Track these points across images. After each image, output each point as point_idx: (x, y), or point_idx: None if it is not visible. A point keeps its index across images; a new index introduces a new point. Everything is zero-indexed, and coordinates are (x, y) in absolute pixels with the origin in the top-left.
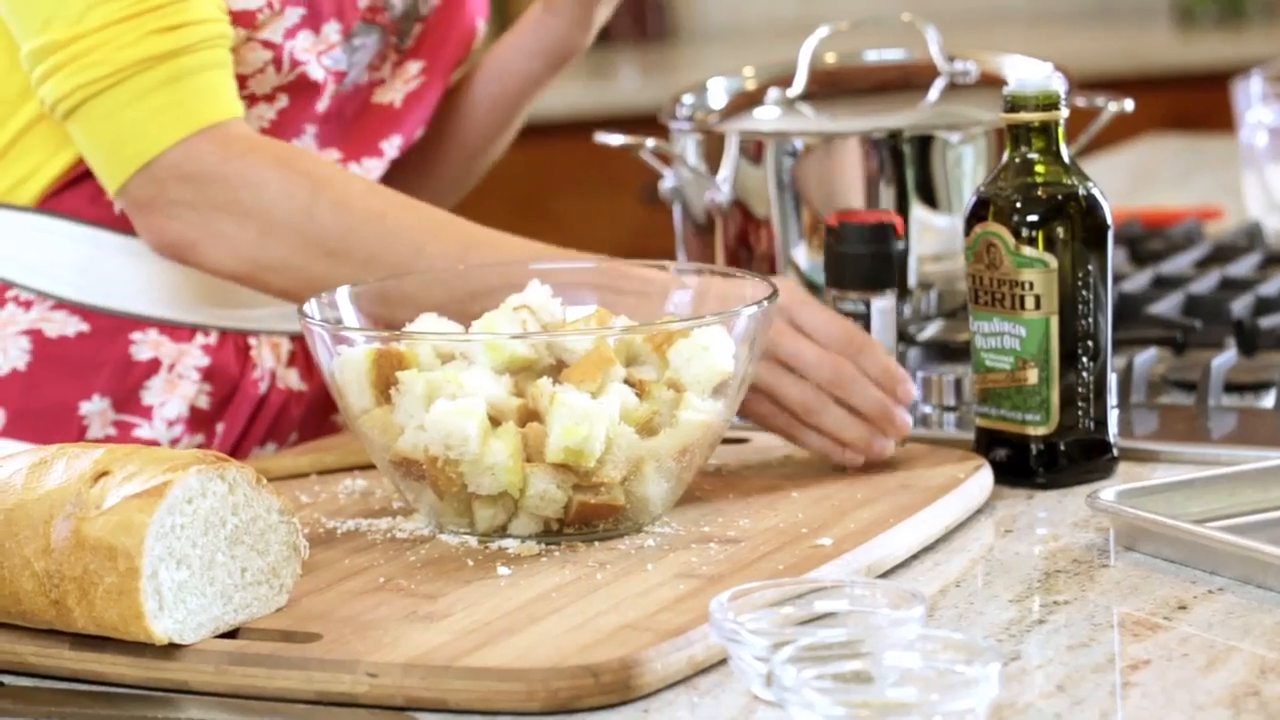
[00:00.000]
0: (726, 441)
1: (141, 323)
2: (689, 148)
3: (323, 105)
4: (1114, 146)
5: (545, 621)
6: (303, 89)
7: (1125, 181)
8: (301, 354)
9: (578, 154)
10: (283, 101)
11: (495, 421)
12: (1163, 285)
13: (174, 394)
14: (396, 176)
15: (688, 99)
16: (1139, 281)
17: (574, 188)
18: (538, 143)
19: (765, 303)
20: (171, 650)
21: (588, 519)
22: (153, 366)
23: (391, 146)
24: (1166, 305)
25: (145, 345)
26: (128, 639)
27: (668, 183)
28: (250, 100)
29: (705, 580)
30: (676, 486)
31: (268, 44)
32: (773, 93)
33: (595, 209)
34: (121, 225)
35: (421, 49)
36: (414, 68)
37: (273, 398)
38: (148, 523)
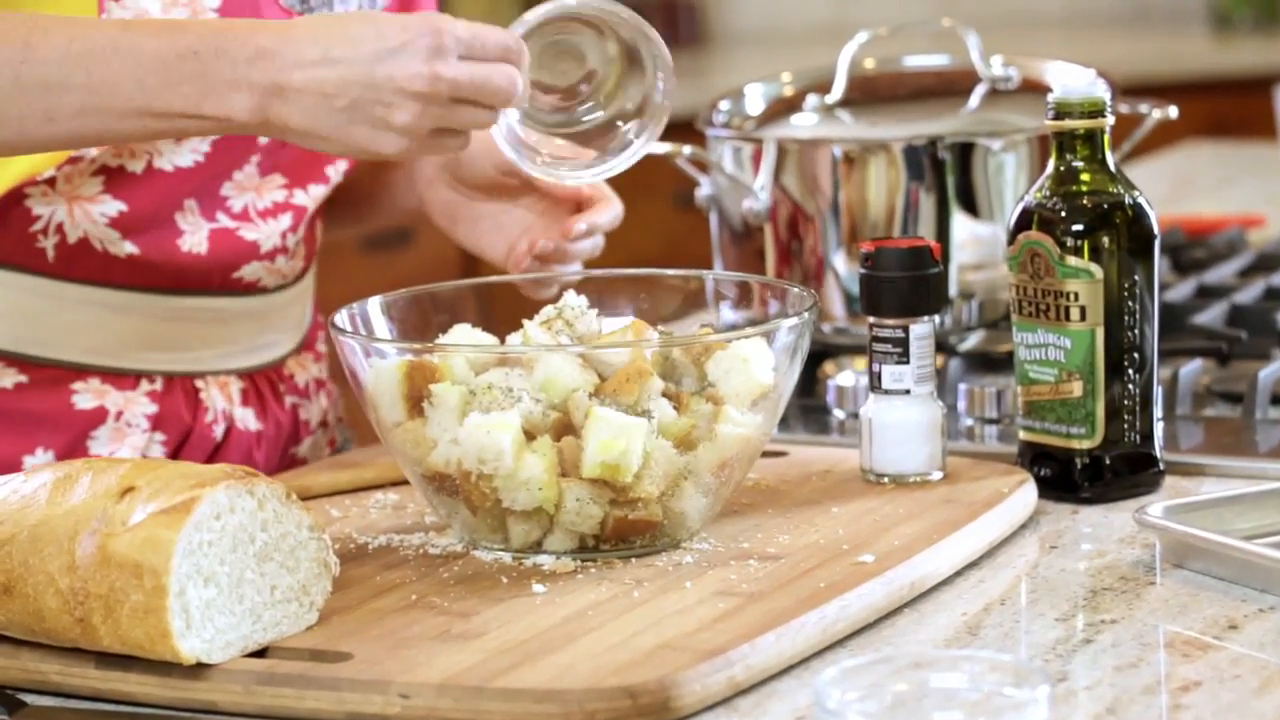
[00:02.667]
0: (764, 454)
1: (83, 372)
2: (726, 155)
3: (265, 138)
4: (1152, 154)
5: (581, 641)
6: None
7: (1164, 189)
8: (254, 392)
9: None
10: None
11: (530, 435)
12: (1206, 295)
13: (123, 444)
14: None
15: (724, 105)
16: (1182, 291)
17: None
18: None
19: (806, 314)
20: (199, 670)
21: (624, 535)
22: (98, 416)
23: (336, 171)
24: (1211, 315)
25: (88, 394)
26: (154, 658)
27: (704, 190)
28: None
29: (745, 598)
30: (715, 502)
31: None
32: (811, 99)
33: (627, 215)
34: (55, 270)
35: None
36: None
37: (233, 439)
38: (175, 539)
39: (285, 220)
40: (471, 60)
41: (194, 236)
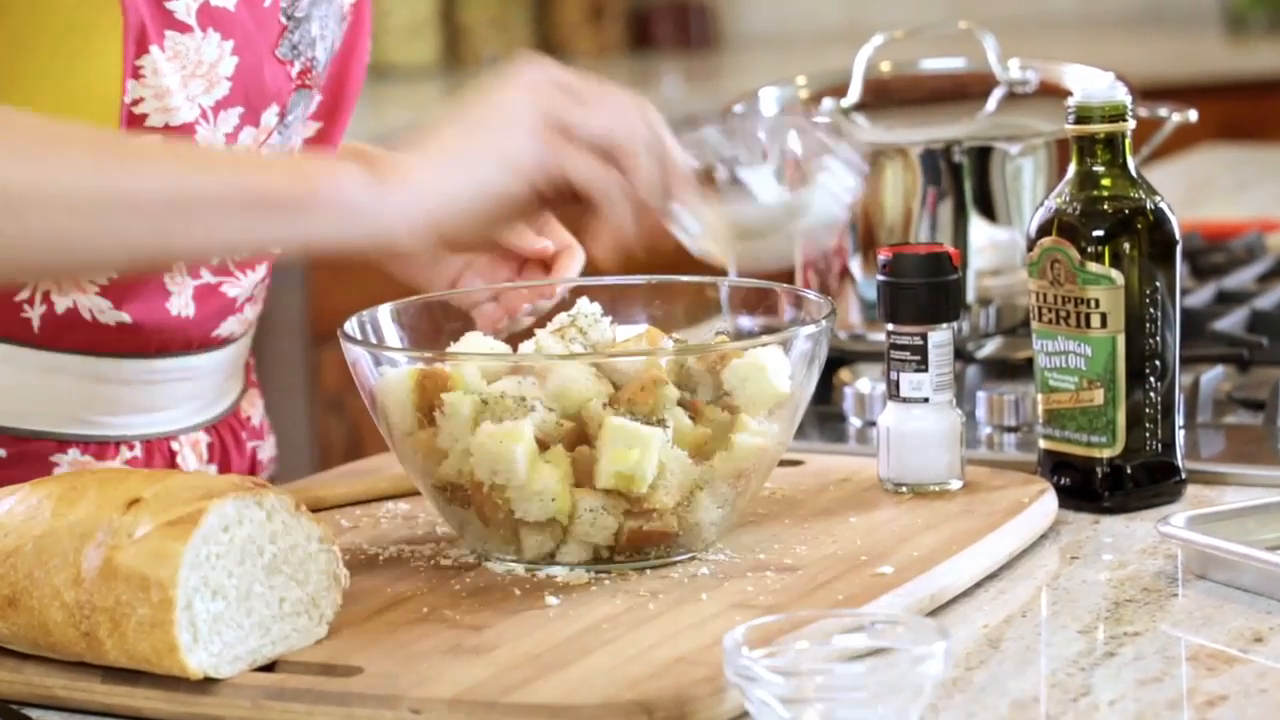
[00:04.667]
0: (780, 463)
1: (63, 443)
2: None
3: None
4: (1167, 157)
5: (596, 654)
6: None
7: (1180, 193)
8: (219, 445)
9: None
10: None
11: (543, 445)
12: (1226, 300)
13: None
14: None
15: (738, 109)
16: (1201, 297)
17: None
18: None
19: (824, 322)
20: (207, 685)
21: (639, 546)
22: None
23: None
24: (1231, 321)
25: (68, 466)
26: (161, 672)
27: None
28: None
29: (762, 611)
30: (731, 512)
31: None
32: (826, 102)
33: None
34: (40, 341)
35: (323, 88)
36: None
37: None
38: (182, 552)
39: (261, 270)
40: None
41: (181, 298)
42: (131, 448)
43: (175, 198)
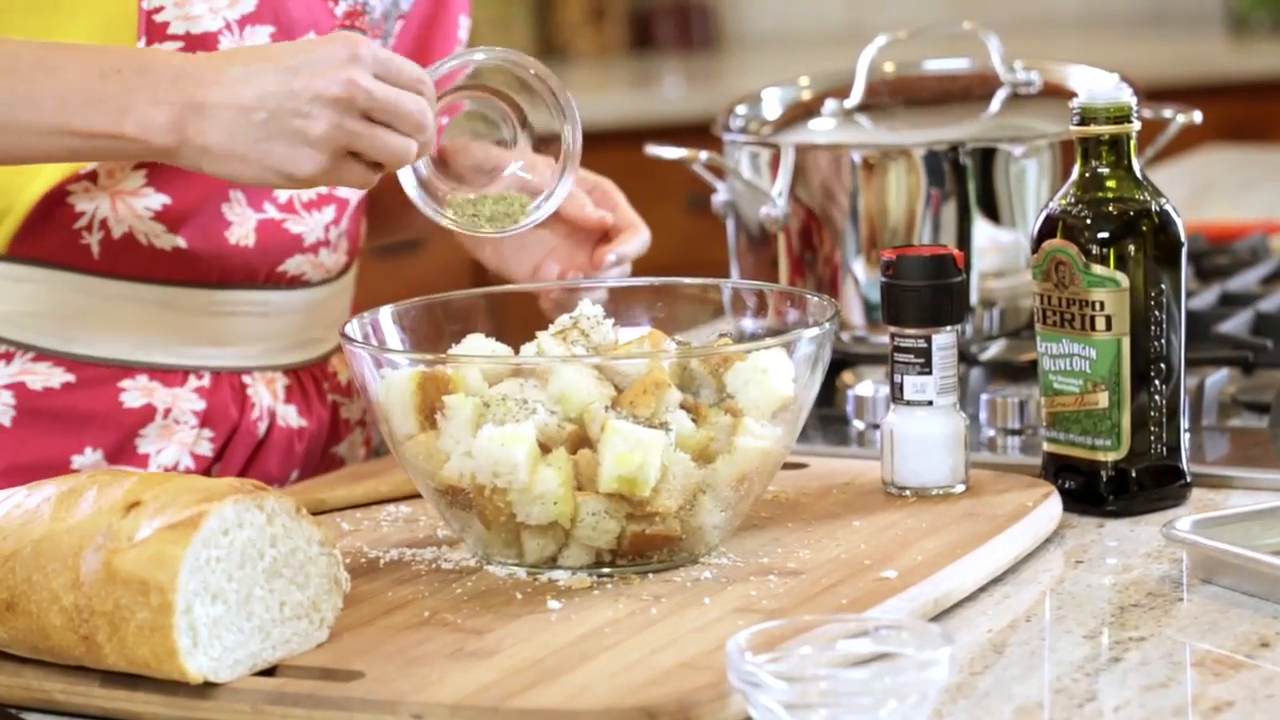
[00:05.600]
0: (784, 466)
1: (130, 369)
2: (743, 160)
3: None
4: (1169, 159)
5: (598, 659)
6: None
7: (1183, 194)
8: (298, 388)
9: (622, 163)
10: None
11: (545, 448)
12: (1230, 303)
13: (171, 440)
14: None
15: (741, 110)
16: (1206, 299)
17: None
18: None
19: (827, 324)
20: (206, 689)
21: (642, 550)
22: (147, 414)
23: None
24: (1235, 324)
25: (136, 392)
26: (161, 677)
27: (720, 196)
28: None
29: (766, 615)
30: (734, 516)
31: None
32: (829, 103)
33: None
34: (100, 267)
35: (402, 48)
36: None
37: (274, 436)
38: (181, 556)
39: (329, 212)
40: (386, 83)
41: (241, 228)
42: (201, 377)
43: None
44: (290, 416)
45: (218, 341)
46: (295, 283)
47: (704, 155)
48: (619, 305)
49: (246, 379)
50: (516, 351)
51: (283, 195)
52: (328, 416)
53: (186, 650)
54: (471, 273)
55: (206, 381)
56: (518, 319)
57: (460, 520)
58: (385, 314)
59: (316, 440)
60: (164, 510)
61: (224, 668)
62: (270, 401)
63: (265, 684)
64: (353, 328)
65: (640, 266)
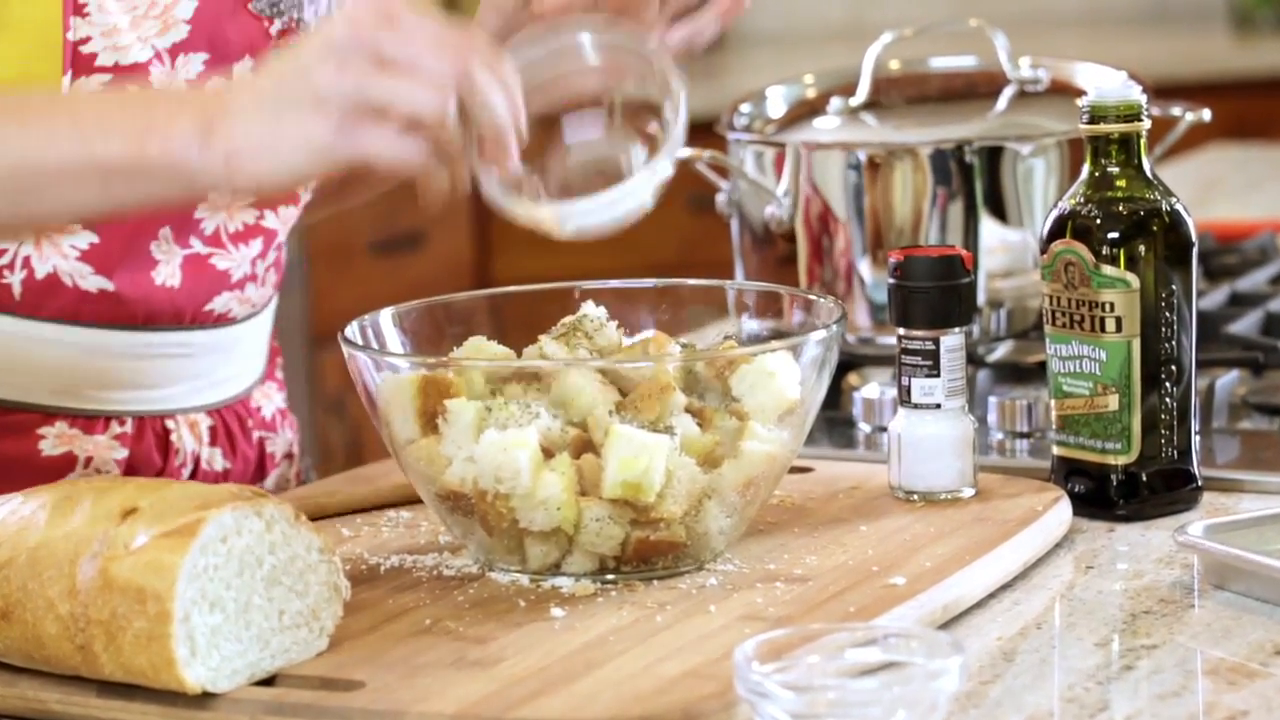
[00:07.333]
0: (789, 470)
1: (50, 415)
2: (747, 159)
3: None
4: (1175, 157)
5: (603, 668)
6: None
7: (1190, 193)
8: (222, 429)
9: None
10: None
11: (548, 453)
12: (1240, 303)
13: None
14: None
15: (745, 108)
16: (1215, 299)
17: None
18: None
19: (835, 327)
20: (205, 699)
21: (646, 557)
22: (67, 463)
23: (307, 190)
24: (1245, 324)
25: (54, 440)
26: (158, 687)
27: (724, 195)
28: None
29: (772, 623)
30: (740, 522)
31: None
32: (834, 101)
33: (642, 219)
34: (23, 309)
35: None
36: None
37: (198, 480)
38: (179, 564)
39: (256, 246)
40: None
41: (168, 267)
42: (123, 423)
43: (18, 171)
44: (215, 459)
45: (140, 384)
46: (221, 321)
47: (708, 154)
48: (623, 307)
49: (169, 423)
50: (519, 354)
51: (209, 227)
52: (254, 455)
53: (184, 660)
54: (472, 270)
55: (129, 428)
56: (520, 321)
57: (462, 526)
58: (385, 316)
59: (243, 479)
60: (161, 517)
61: (222, 677)
62: (194, 446)
63: (264, 694)
64: (352, 330)
65: (642, 263)
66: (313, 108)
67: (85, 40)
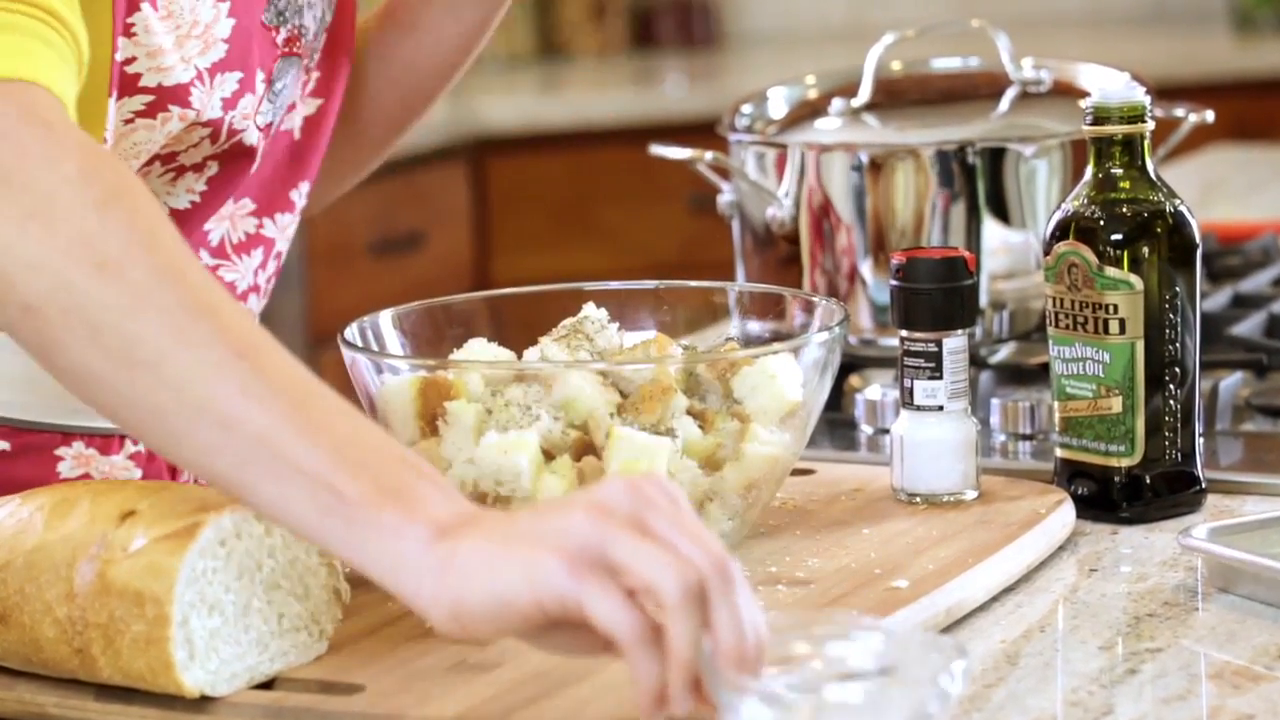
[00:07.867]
0: (791, 473)
1: (68, 435)
2: (748, 160)
3: (255, 167)
4: (1176, 158)
5: (604, 671)
6: (236, 155)
7: (1192, 194)
8: None
9: (623, 162)
10: (213, 169)
11: (549, 455)
12: (1243, 304)
13: None
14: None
15: (746, 109)
16: (1218, 301)
17: (619, 197)
18: (581, 150)
19: (837, 329)
20: (203, 703)
21: None
22: None
23: (300, 195)
24: (1249, 326)
25: (73, 462)
26: (156, 691)
27: (726, 197)
28: (178, 172)
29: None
30: (742, 524)
31: (208, 123)
32: (836, 102)
33: (642, 219)
34: None
35: (319, 63)
36: (310, 89)
37: None
38: (178, 567)
39: (257, 256)
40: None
41: None
42: (136, 442)
43: (264, 440)
44: None
45: None
46: None
47: (709, 155)
48: (624, 309)
49: None
50: (519, 356)
51: (215, 237)
52: None
53: (183, 663)
54: (472, 270)
55: (142, 446)
56: (520, 322)
57: None
58: (385, 318)
59: None
60: (160, 520)
61: (221, 681)
62: None
63: (263, 697)
64: (352, 332)
65: (643, 263)
66: (552, 540)
67: (130, 60)
